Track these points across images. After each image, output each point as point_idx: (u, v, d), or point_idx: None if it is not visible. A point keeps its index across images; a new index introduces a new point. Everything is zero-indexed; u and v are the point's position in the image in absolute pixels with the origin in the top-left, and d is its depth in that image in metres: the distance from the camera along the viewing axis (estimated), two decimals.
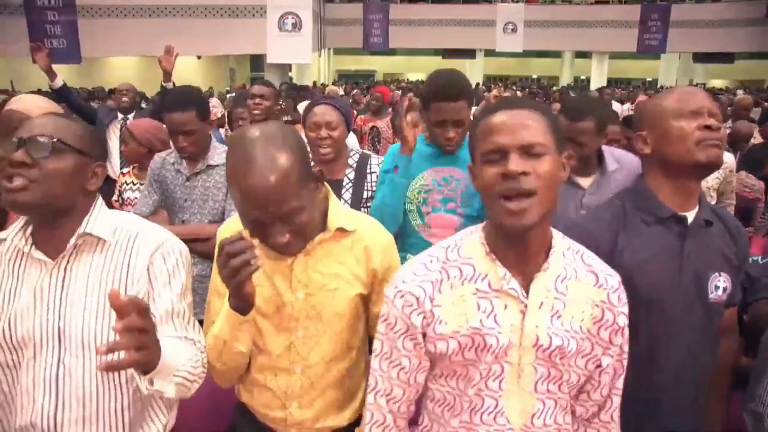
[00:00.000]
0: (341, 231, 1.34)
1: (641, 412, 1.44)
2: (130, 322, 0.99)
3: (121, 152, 4.53)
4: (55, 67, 4.49)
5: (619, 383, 1.23)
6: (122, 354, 1.00)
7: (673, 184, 1.45)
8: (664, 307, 1.43)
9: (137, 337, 1.01)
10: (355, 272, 1.35)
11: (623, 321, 1.18)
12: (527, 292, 1.12)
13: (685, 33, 18.43)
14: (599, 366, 1.18)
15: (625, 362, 1.22)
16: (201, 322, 1.42)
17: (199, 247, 2.31)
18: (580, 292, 1.15)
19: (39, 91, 10.56)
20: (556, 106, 6.79)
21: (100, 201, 1.33)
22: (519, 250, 1.12)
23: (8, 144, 1.20)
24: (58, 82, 4.39)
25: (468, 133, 2.09)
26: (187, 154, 2.38)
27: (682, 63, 23.58)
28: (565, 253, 1.17)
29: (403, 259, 1.69)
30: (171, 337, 1.26)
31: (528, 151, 1.05)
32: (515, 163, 1.04)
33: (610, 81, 22.39)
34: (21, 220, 1.30)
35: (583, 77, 27.19)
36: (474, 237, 1.18)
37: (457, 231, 2.10)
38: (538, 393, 1.14)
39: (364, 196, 2.37)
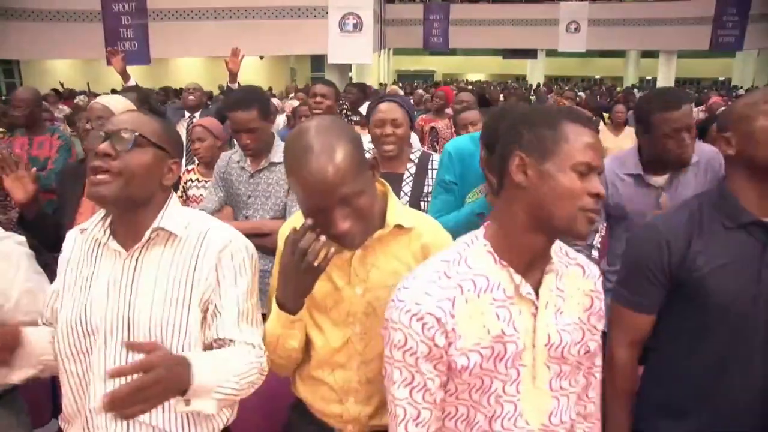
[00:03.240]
0: (399, 228, 1.34)
1: (712, 423, 1.40)
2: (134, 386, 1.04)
3: (187, 150, 4.68)
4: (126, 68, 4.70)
5: (598, 361, 1.30)
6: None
7: (758, 188, 1.38)
8: (739, 316, 1.38)
9: (141, 395, 1.04)
10: (413, 269, 1.34)
11: (604, 306, 1.26)
12: (536, 293, 1.15)
13: (764, 28, 17.43)
14: (588, 351, 1.22)
15: (600, 342, 1.28)
16: (264, 317, 1.44)
17: (260, 242, 2.35)
18: (573, 286, 1.20)
19: (113, 92, 11.08)
20: (620, 107, 6.50)
21: (174, 197, 1.38)
22: (536, 255, 1.14)
23: (96, 136, 1.29)
24: (131, 84, 4.59)
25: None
26: (250, 151, 2.45)
27: (760, 60, 22.42)
28: (557, 252, 1.20)
29: None
30: (224, 349, 1.29)
31: (600, 173, 1.12)
32: (600, 187, 1.09)
33: (678, 81, 21.56)
34: (101, 212, 1.36)
35: (648, 77, 26.29)
36: (478, 247, 1.16)
37: None
38: (552, 391, 1.17)
39: (425, 190, 2.39)
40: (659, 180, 2.10)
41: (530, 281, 1.14)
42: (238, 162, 2.55)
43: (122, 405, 1.03)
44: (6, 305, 1.46)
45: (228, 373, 1.22)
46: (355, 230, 1.22)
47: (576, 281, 1.21)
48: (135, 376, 1.05)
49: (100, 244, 1.34)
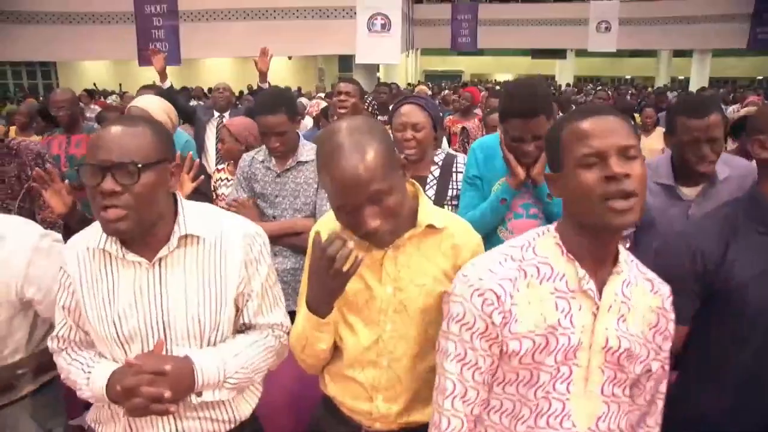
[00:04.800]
0: (431, 228, 1.34)
1: None
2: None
3: (217, 149, 4.74)
4: (153, 68, 4.79)
5: (663, 387, 1.25)
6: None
7: None
8: None
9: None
10: (443, 269, 1.36)
11: (672, 328, 1.22)
12: (599, 293, 1.13)
13: None
14: (649, 371, 1.19)
15: (668, 368, 1.24)
16: (292, 314, 1.46)
17: (293, 240, 2.37)
18: (640, 298, 1.17)
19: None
20: (649, 112, 6.19)
21: (180, 199, 1.37)
22: (598, 253, 1.13)
23: (94, 171, 1.21)
24: (167, 84, 4.68)
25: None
26: (279, 153, 2.46)
27: None
28: (626, 260, 1.18)
29: None
30: (241, 338, 1.40)
31: (624, 153, 1.06)
32: (618, 165, 1.05)
33: (711, 81, 21.08)
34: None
35: (681, 77, 25.78)
36: (548, 237, 1.18)
37: None
38: (604, 396, 1.15)
39: (449, 194, 2.36)
40: (690, 192, 2.02)
41: (596, 281, 1.14)
42: (263, 162, 2.55)
43: (141, 413, 1.23)
44: (47, 299, 1.51)
45: (238, 364, 1.35)
46: (385, 228, 1.23)
47: (643, 295, 1.19)
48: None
49: (113, 257, 1.33)
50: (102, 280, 1.33)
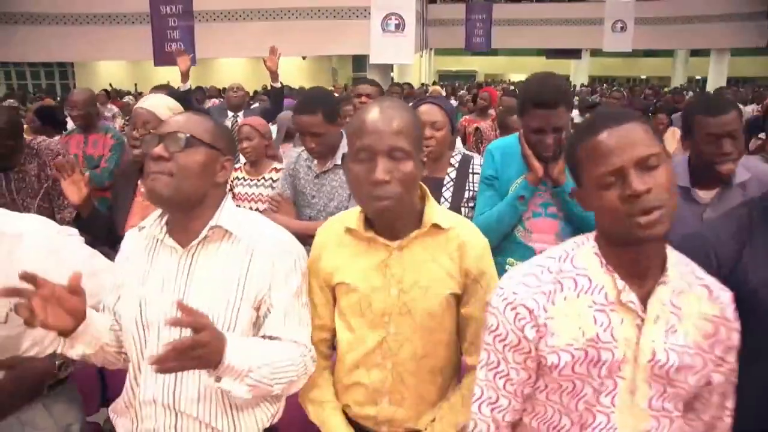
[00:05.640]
0: (436, 228, 1.34)
1: None
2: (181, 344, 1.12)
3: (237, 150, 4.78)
4: (169, 68, 4.81)
5: (730, 403, 1.18)
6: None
7: None
8: None
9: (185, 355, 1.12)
10: (449, 271, 1.35)
11: (737, 338, 1.14)
12: (644, 305, 1.08)
13: None
14: (709, 383, 1.13)
15: (735, 380, 1.17)
16: None
17: None
18: (694, 306, 1.11)
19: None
20: (662, 117, 5.93)
21: (229, 196, 1.42)
22: (637, 263, 1.08)
23: (151, 140, 1.35)
24: (186, 86, 4.71)
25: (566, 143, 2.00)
26: (315, 154, 2.46)
27: None
28: (678, 266, 1.12)
29: (498, 264, 1.66)
30: (267, 339, 1.35)
31: (644, 164, 1.01)
32: (637, 182, 1.00)
33: (729, 81, 20.82)
34: (158, 211, 1.41)
35: (698, 77, 25.50)
36: (587, 247, 1.14)
37: (558, 235, 2.07)
38: (652, 410, 1.10)
39: (466, 195, 2.35)
40: (706, 196, 2.00)
41: (640, 291, 1.09)
42: (306, 160, 2.55)
43: (165, 360, 1.11)
44: None
45: (263, 361, 1.27)
46: (392, 191, 1.22)
47: (698, 303, 1.12)
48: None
49: (157, 241, 1.38)
50: (143, 261, 1.38)
